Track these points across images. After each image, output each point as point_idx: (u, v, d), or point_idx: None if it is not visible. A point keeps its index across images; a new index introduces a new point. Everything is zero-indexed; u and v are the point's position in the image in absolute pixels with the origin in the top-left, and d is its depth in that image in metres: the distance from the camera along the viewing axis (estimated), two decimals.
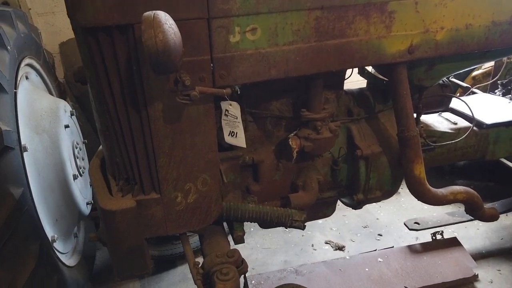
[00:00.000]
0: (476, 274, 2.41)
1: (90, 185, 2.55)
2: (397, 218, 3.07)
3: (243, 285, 2.46)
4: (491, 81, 2.65)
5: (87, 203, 2.43)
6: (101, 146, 1.80)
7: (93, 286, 2.59)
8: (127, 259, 1.58)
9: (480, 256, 2.63)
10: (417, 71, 1.74)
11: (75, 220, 2.35)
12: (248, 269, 2.63)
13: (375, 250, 2.64)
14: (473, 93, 2.69)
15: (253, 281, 2.38)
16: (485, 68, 3.37)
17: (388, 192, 1.94)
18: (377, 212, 3.19)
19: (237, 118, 1.43)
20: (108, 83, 1.33)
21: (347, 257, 2.56)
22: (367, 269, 2.45)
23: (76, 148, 2.41)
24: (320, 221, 3.07)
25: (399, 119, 1.72)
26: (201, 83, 1.33)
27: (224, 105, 1.42)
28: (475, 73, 3.34)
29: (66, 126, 2.29)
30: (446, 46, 1.60)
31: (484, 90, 2.83)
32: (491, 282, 2.44)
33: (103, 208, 1.46)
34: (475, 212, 2.05)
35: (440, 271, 2.41)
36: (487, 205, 2.22)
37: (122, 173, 1.54)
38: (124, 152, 1.47)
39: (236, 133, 1.46)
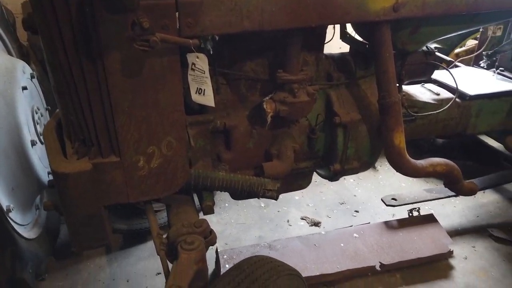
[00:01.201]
0: (451, 250, 2.39)
1: None
2: (374, 195, 3.02)
3: (214, 259, 2.38)
4: (475, 54, 2.59)
5: (49, 173, 2.27)
6: None
7: (57, 260, 2.45)
8: (83, 229, 1.45)
9: (456, 233, 2.61)
10: (401, 33, 1.64)
11: (35, 190, 2.19)
12: (221, 244, 2.56)
13: (351, 226, 2.58)
14: (456, 67, 2.63)
15: (225, 256, 2.29)
16: (468, 46, 3.32)
17: (366, 163, 1.86)
18: (355, 188, 3.13)
19: (204, 73, 1.30)
20: (58, 30, 1.18)
21: (323, 233, 2.50)
22: (342, 245, 2.39)
23: (37, 113, 2.23)
24: (296, 197, 3.00)
25: (381, 83, 1.62)
26: (164, 31, 1.19)
27: (191, 57, 1.28)
28: (457, 50, 3.28)
29: (24, 88, 2.10)
30: (433, 6, 1.49)
31: (467, 65, 2.77)
32: (466, 259, 2.42)
33: (55, 171, 1.32)
34: (454, 185, 2.00)
35: (416, 247, 2.37)
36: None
37: (77, 134, 1.39)
38: (79, 110, 1.32)
39: (204, 90, 1.33)
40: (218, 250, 2.32)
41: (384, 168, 3.35)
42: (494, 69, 2.50)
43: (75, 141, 1.40)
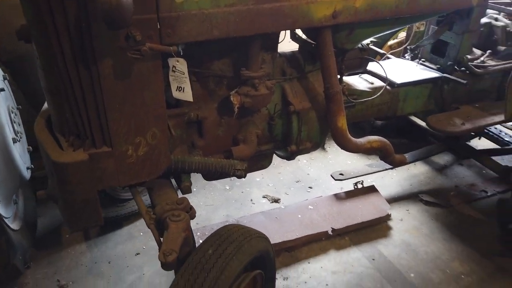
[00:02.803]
0: (389, 214, 2.84)
1: (28, 152, 2.53)
2: (324, 172, 3.42)
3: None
4: (403, 47, 3.02)
5: (27, 168, 2.42)
6: (44, 106, 1.83)
7: (38, 251, 2.61)
8: (81, 212, 1.67)
9: (393, 200, 3.07)
10: (340, 35, 1.99)
11: (16, 185, 2.33)
12: (193, 224, 2.82)
13: (306, 200, 2.96)
14: (388, 58, 3.06)
15: (198, 233, 2.57)
16: (399, 38, 3.78)
17: (316, 143, 2.21)
18: (308, 168, 3.51)
19: (184, 74, 1.56)
20: (58, 42, 1.38)
21: (282, 207, 2.85)
22: (299, 216, 2.76)
23: (12, 113, 2.36)
24: (257, 178, 3.33)
25: (325, 77, 1.97)
26: (149, 40, 1.44)
27: (172, 61, 1.54)
28: (390, 42, 3.73)
29: (1, 90, 2.23)
30: (364, 13, 1.85)
31: (398, 56, 3.21)
32: (401, 220, 2.88)
33: (56, 162, 1.53)
34: (387, 158, 2.41)
35: (360, 213, 2.79)
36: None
37: (72, 129, 1.60)
38: (75, 109, 1.53)
39: (183, 88, 1.60)
40: (192, 229, 2.59)
41: (332, 149, 3.76)
42: (418, 59, 2.96)
43: (69, 135, 1.61)
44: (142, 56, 1.37)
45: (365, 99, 2.34)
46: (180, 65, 1.54)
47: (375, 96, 2.34)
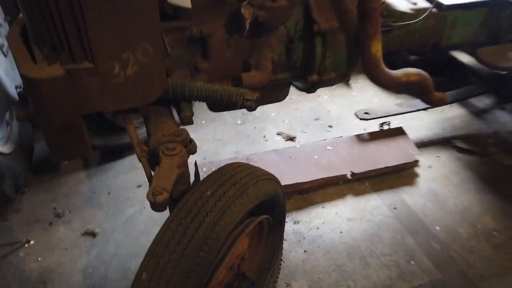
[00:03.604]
0: (417, 160, 2.55)
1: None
2: (347, 111, 3.10)
3: (193, 172, 2.45)
4: None
5: (16, 87, 2.18)
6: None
7: (36, 176, 2.47)
8: (62, 138, 1.44)
9: (422, 145, 2.76)
10: None
11: (4, 106, 2.12)
12: (200, 159, 2.62)
13: (325, 139, 2.68)
14: None
15: (204, 168, 2.36)
16: None
17: (342, 74, 1.87)
18: (329, 105, 3.19)
19: None
20: None
21: (298, 146, 2.59)
22: (316, 157, 2.50)
23: None
24: (272, 114, 3.05)
25: None
26: None
27: None
28: None
29: None
30: None
31: None
32: (430, 167, 2.59)
33: (26, 76, 1.27)
34: (426, 95, 2.07)
35: (384, 157, 2.51)
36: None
37: (46, 38, 1.32)
38: (47, 13, 1.23)
39: None
40: (197, 163, 2.38)
41: (358, 85, 3.40)
42: None
43: (44, 46, 1.33)
44: None
45: (405, 23, 1.94)
46: None
47: (418, 19, 1.93)
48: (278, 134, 2.88)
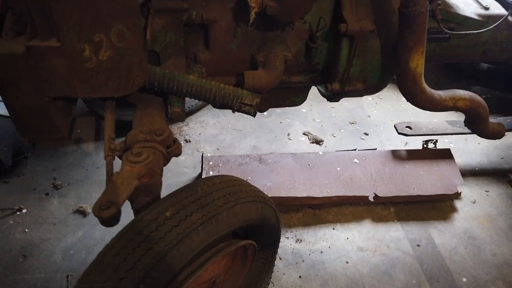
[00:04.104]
0: (459, 192, 2.15)
1: None
2: (391, 119, 2.71)
3: (200, 164, 2.26)
4: None
5: None
6: None
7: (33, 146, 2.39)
8: (27, 120, 1.30)
9: (471, 173, 2.34)
10: None
11: None
12: (213, 149, 2.41)
13: (355, 149, 2.35)
14: None
15: (211, 162, 2.16)
16: None
17: (372, 86, 1.53)
18: (371, 108, 2.82)
19: None
20: None
21: (320, 153, 2.29)
22: (338, 169, 2.19)
23: None
24: (303, 109, 2.75)
25: None
26: None
27: None
28: None
29: None
30: None
31: None
32: (474, 203, 2.19)
33: None
34: (476, 125, 1.67)
35: (419, 183, 2.14)
36: (494, 120, 1.83)
37: (14, 8, 1.15)
38: None
39: None
40: (204, 155, 2.18)
41: None
42: None
43: (10, 17, 1.16)
44: None
45: (466, 32, 1.53)
46: None
47: (486, 29, 1.52)
48: (304, 134, 2.58)
